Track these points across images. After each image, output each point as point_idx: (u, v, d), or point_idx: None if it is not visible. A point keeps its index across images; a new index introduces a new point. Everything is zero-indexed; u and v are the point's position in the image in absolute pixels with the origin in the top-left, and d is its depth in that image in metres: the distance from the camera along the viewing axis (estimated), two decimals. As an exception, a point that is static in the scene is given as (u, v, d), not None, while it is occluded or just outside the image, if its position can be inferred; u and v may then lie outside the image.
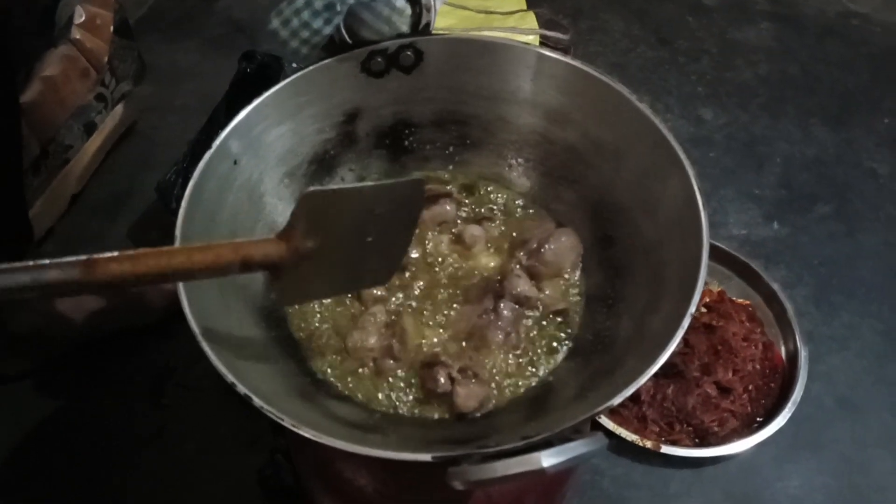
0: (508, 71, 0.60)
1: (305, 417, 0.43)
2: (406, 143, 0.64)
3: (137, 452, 0.71)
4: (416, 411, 0.53)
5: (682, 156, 0.52)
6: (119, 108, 0.94)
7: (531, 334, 0.56)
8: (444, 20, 0.92)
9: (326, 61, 0.58)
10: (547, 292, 0.58)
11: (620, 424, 0.69)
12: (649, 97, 1.02)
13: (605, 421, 0.69)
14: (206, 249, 0.42)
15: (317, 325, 0.56)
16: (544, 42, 0.94)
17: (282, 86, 0.57)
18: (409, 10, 0.57)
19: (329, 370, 0.54)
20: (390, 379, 0.54)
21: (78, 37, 0.85)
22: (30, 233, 0.79)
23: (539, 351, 0.55)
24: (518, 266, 0.58)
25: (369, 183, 0.62)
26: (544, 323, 0.57)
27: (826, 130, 1.01)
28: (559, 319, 0.57)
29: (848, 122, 1.02)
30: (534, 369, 0.55)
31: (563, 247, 0.59)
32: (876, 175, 0.96)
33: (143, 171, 0.92)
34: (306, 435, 0.40)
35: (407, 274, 0.59)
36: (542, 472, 0.38)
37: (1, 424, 0.72)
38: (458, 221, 0.62)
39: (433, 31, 0.60)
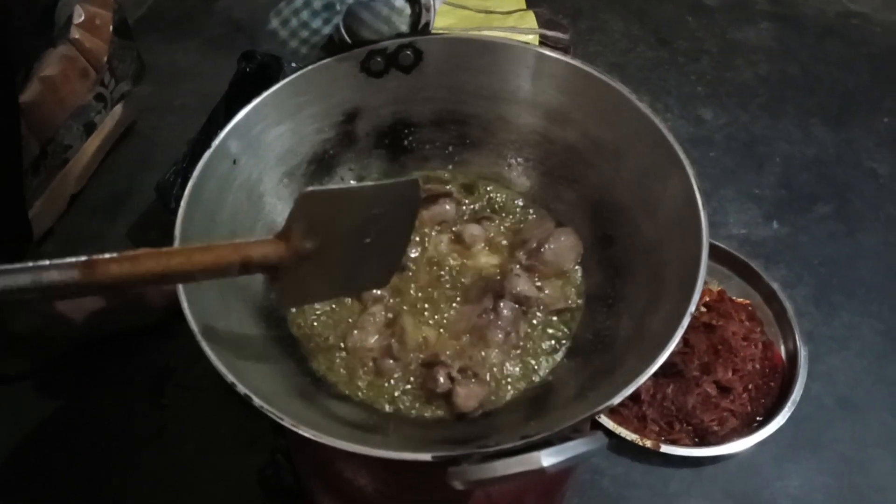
0: (508, 70, 0.60)
1: (305, 417, 0.43)
2: (405, 142, 0.64)
3: (137, 452, 0.71)
4: (416, 411, 0.53)
5: (682, 155, 0.52)
6: (118, 108, 0.94)
7: (531, 334, 0.56)
8: (443, 20, 0.92)
9: (326, 61, 0.58)
10: (547, 292, 0.58)
11: (620, 424, 0.69)
12: (649, 97, 1.02)
13: (604, 420, 0.69)
14: (206, 250, 0.42)
15: (317, 324, 0.56)
16: (544, 42, 0.93)
17: (281, 85, 0.56)
18: (408, 10, 0.57)
19: (329, 370, 0.54)
20: (390, 379, 0.54)
21: (77, 37, 0.85)
22: (29, 233, 0.79)
23: (539, 350, 0.55)
24: (518, 265, 0.58)
25: (367, 183, 0.62)
26: (544, 322, 0.57)
27: (826, 130, 1.01)
28: (559, 319, 0.57)
29: (848, 122, 1.02)
30: (534, 369, 0.55)
31: (563, 246, 0.59)
32: (876, 175, 0.96)
33: (142, 171, 0.92)
34: (306, 435, 0.40)
35: (407, 273, 0.59)
36: (541, 472, 0.38)
37: (1, 424, 0.72)
38: (458, 221, 0.62)
39: (432, 31, 0.59)
